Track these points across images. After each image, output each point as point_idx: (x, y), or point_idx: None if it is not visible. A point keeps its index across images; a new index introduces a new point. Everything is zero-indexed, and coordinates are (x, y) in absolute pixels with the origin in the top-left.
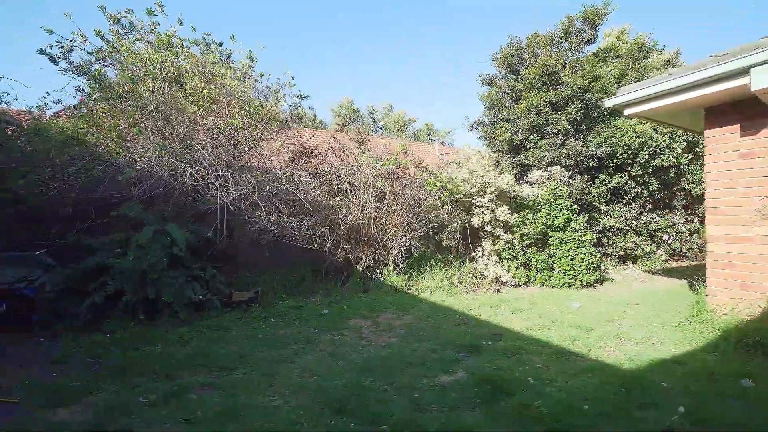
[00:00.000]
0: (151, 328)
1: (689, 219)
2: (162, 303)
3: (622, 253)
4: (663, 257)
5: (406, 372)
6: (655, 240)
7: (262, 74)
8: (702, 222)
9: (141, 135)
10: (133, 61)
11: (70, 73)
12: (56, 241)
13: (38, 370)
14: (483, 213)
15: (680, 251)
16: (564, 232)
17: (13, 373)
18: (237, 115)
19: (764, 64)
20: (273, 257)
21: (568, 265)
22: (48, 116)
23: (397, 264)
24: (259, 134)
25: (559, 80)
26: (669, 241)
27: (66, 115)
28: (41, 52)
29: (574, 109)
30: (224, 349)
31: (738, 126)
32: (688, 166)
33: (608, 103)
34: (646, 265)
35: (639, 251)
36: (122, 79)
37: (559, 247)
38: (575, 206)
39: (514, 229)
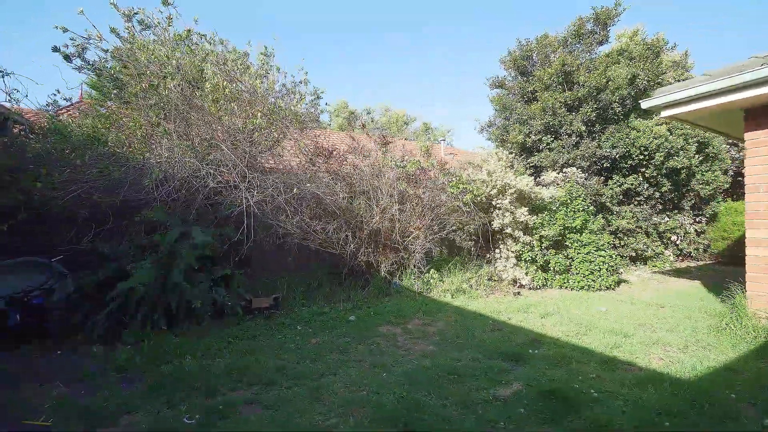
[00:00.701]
0: (173, 338)
1: (697, 220)
2: (183, 311)
3: (633, 254)
4: (671, 258)
5: (457, 384)
6: (664, 241)
7: (279, 69)
8: (708, 223)
9: (164, 135)
10: (149, 59)
11: (85, 71)
12: (73, 246)
13: (64, 388)
14: (503, 215)
15: (687, 252)
16: (582, 234)
17: (38, 392)
18: (258, 114)
19: None
20: (288, 261)
21: (587, 268)
22: (58, 114)
23: (419, 267)
24: (280, 134)
25: (574, 80)
26: (677, 242)
27: (79, 113)
28: (55, 49)
29: (589, 110)
30: (259, 361)
31: None
32: (698, 167)
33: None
34: (656, 266)
35: (649, 252)
36: (140, 78)
37: (578, 250)
38: (591, 207)
39: (533, 231)
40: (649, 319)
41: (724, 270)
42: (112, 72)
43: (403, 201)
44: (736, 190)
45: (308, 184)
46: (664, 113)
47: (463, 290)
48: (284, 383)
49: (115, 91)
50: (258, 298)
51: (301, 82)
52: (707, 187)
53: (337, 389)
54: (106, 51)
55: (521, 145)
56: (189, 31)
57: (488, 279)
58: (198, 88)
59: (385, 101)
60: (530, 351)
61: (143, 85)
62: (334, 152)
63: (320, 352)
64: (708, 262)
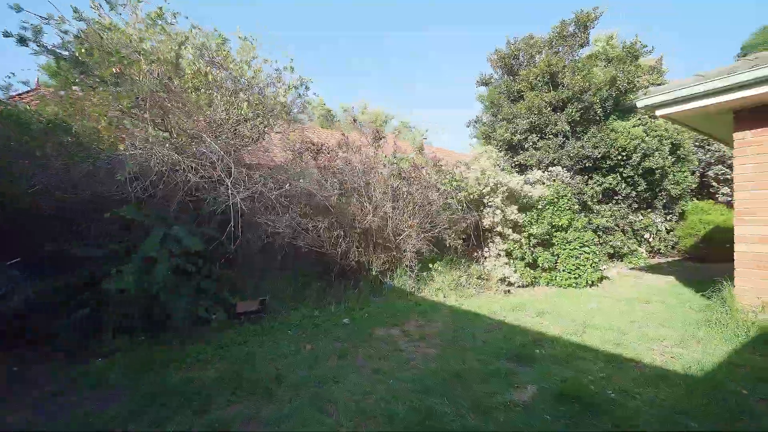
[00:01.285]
0: (153, 347)
1: (667, 218)
2: (163, 317)
3: (612, 251)
4: (645, 255)
5: (470, 389)
6: (638, 238)
7: (266, 61)
8: (677, 221)
9: (138, 124)
10: (119, 40)
11: (45, 54)
12: (37, 248)
13: (37, 406)
14: (494, 213)
15: (657, 249)
16: (567, 232)
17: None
18: (245, 104)
19: None
20: (275, 262)
21: (573, 265)
22: (13, 100)
23: (410, 267)
24: (265, 126)
25: (558, 81)
26: (650, 240)
27: (39, 100)
28: (6, 34)
29: (573, 110)
30: (253, 370)
31: None
32: (671, 168)
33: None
34: (632, 262)
35: (626, 249)
36: (109, 61)
37: (564, 247)
38: (576, 206)
39: (522, 229)
40: (639, 315)
41: (692, 266)
42: (77, 55)
43: (396, 198)
44: (701, 190)
45: (300, 180)
46: (659, 112)
47: (454, 289)
48: (283, 394)
49: (81, 76)
50: (244, 301)
51: (285, 69)
52: (677, 187)
53: (342, 399)
54: (66, 32)
55: (507, 144)
56: (161, 9)
57: (478, 277)
58: (176, 76)
59: (362, 99)
60: (536, 351)
61: (113, 69)
62: (324, 147)
63: (317, 358)
64: (676, 258)
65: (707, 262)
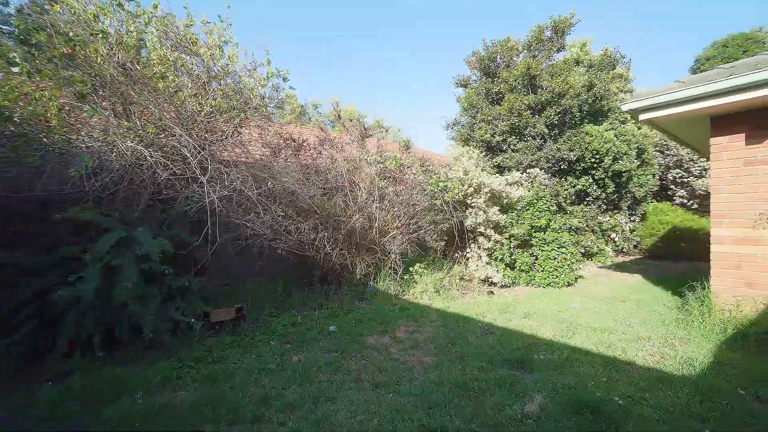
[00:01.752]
0: (115, 368)
1: (631, 219)
2: (126, 332)
3: (583, 251)
4: (611, 254)
5: (476, 401)
6: (605, 238)
7: (237, 44)
8: (640, 221)
9: (96, 112)
10: (70, 18)
11: None
12: None
13: None
14: (477, 214)
15: (622, 248)
16: (546, 233)
17: None
18: (219, 93)
19: None
20: (251, 266)
21: (552, 265)
22: None
23: (394, 269)
24: (242, 119)
25: (538, 84)
26: (616, 240)
27: None
28: None
29: (552, 113)
30: (236, 391)
31: (743, 135)
32: (636, 171)
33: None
34: (600, 261)
35: (595, 249)
36: (59, 40)
37: (543, 248)
38: (554, 207)
39: (504, 230)
40: (619, 314)
41: (654, 263)
42: (17, 31)
43: (382, 198)
44: (660, 192)
45: (284, 179)
46: (642, 116)
47: (438, 291)
48: (274, 418)
49: (25, 56)
50: (218, 309)
51: (261, 64)
52: (641, 189)
53: (342, 420)
54: (6, 3)
55: (486, 145)
56: None
57: (460, 278)
58: (139, 60)
59: (334, 96)
60: (534, 356)
61: (64, 49)
62: (305, 143)
63: (307, 373)
64: (639, 257)
65: (665, 259)
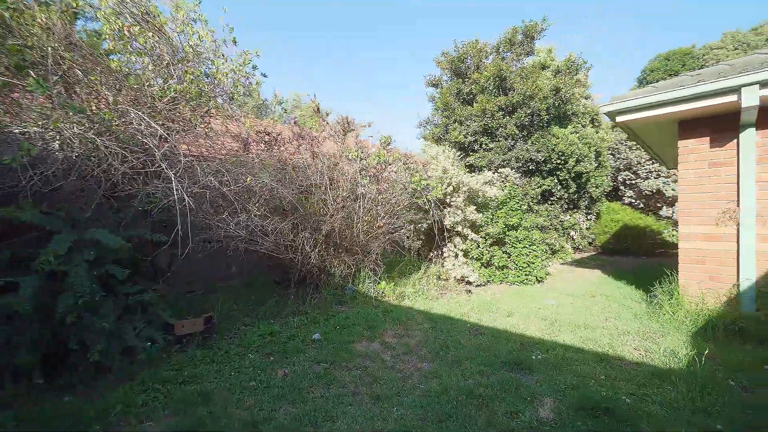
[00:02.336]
0: (64, 394)
1: (588, 218)
2: (78, 349)
3: (547, 248)
4: (570, 251)
5: (486, 410)
6: (565, 236)
7: (206, 22)
8: (596, 220)
9: (38, 89)
10: None
11: None
12: None
13: None
14: (456, 213)
15: (578, 245)
16: (518, 231)
17: None
18: (188, 76)
19: (753, 84)
20: (220, 270)
21: (524, 263)
22: None
23: (374, 270)
24: (210, 108)
25: (508, 86)
26: (574, 237)
27: None
28: None
29: (522, 115)
30: (218, 416)
31: (708, 138)
32: (593, 172)
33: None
34: (561, 258)
35: (557, 246)
36: None
37: (515, 246)
38: (525, 206)
39: (480, 229)
40: (594, 310)
41: (608, 259)
42: None
43: (364, 197)
44: (611, 193)
45: (261, 174)
46: (619, 118)
47: (418, 291)
48: None
49: None
50: (185, 320)
51: (225, 42)
52: (597, 189)
53: None
54: None
55: (459, 145)
56: None
57: (438, 278)
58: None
59: (296, 91)
60: (530, 357)
61: None
62: (280, 137)
63: (297, 389)
64: (594, 253)
65: (617, 255)
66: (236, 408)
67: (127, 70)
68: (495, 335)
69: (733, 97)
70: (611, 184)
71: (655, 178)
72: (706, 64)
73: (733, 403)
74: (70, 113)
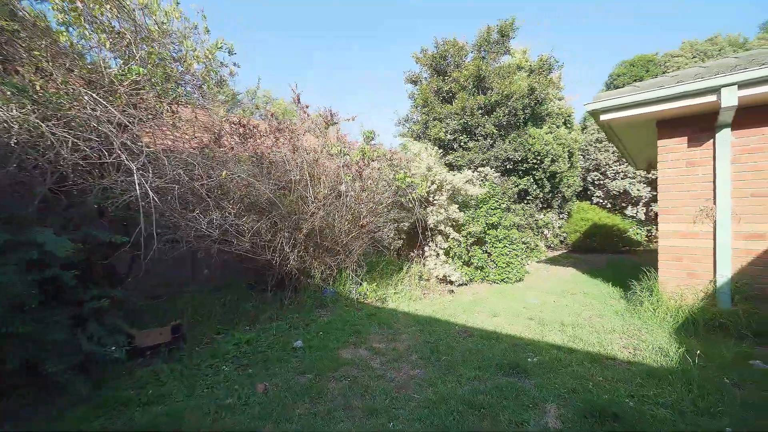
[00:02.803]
0: (5, 423)
1: (560, 216)
2: (20, 368)
3: (525, 247)
4: (544, 249)
5: (489, 420)
6: (539, 235)
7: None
8: (567, 219)
9: None
10: None
11: None
12: None
13: None
14: (439, 211)
15: (551, 243)
16: (498, 230)
17: None
18: (153, 57)
19: (733, 85)
20: (188, 273)
21: (504, 262)
22: None
23: (355, 271)
24: (176, 96)
25: (487, 85)
26: (548, 236)
27: None
28: None
29: (501, 114)
30: None
31: (686, 138)
32: (566, 173)
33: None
34: (536, 256)
35: (532, 244)
36: None
37: (496, 245)
38: (504, 205)
39: (462, 228)
40: (576, 308)
41: (579, 257)
42: None
43: (346, 194)
44: (580, 192)
45: (238, 169)
46: (603, 117)
47: (400, 292)
48: None
49: None
50: (148, 330)
51: (196, 28)
52: (569, 189)
53: None
54: None
55: (440, 142)
56: None
57: (420, 278)
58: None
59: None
60: (524, 359)
61: None
62: (256, 130)
63: (281, 406)
64: (565, 252)
65: (588, 253)
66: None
67: (80, 47)
68: (484, 337)
69: (712, 98)
70: (581, 184)
71: (621, 178)
72: (668, 71)
73: (732, 402)
74: (8, 92)
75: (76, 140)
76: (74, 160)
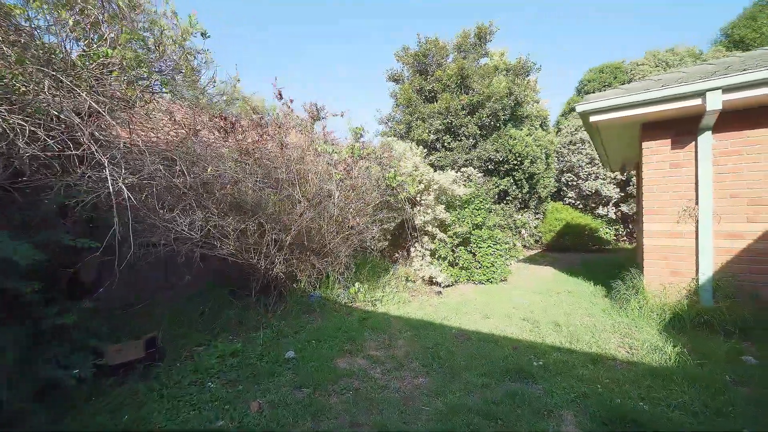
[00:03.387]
0: None
1: (537, 217)
2: None
3: (506, 247)
4: (521, 248)
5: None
6: (517, 234)
7: None
8: (542, 219)
9: None
10: None
11: None
12: None
13: None
14: (425, 211)
15: (526, 243)
16: (482, 230)
17: None
18: (123, 37)
19: (717, 89)
20: (164, 279)
21: (489, 262)
22: None
23: (342, 274)
24: (149, 84)
25: (469, 85)
26: (525, 235)
27: None
28: None
29: (483, 115)
30: None
31: (669, 140)
32: (543, 174)
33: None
34: (515, 255)
35: (511, 244)
36: None
37: (480, 245)
38: (488, 205)
39: (448, 228)
40: (563, 308)
41: (554, 256)
42: None
43: (335, 194)
44: (554, 193)
45: (225, 165)
46: (592, 118)
47: (388, 295)
48: None
49: None
50: (120, 344)
51: (166, 14)
52: (545, 190)
53: None
54: None
55: (423, 143)
56: None
57: (406, 280)
58: None
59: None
60: (532, 363)
61: None
62: (238, 124)
63: (281, 426)
64: (541, 251)
65: (562, 252)
66: None
67: (36, 23)
68: (482, 340)
69: (698, 101)
70: (556, 185)
71: (594, 180)
72: (634, 78)
73: (743, 401)
74: None
75: (33, 129)
76: (31, 152)
